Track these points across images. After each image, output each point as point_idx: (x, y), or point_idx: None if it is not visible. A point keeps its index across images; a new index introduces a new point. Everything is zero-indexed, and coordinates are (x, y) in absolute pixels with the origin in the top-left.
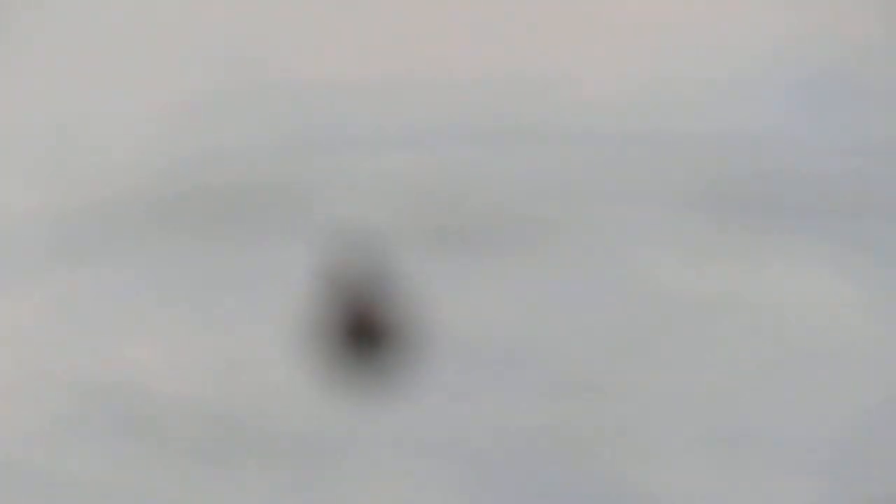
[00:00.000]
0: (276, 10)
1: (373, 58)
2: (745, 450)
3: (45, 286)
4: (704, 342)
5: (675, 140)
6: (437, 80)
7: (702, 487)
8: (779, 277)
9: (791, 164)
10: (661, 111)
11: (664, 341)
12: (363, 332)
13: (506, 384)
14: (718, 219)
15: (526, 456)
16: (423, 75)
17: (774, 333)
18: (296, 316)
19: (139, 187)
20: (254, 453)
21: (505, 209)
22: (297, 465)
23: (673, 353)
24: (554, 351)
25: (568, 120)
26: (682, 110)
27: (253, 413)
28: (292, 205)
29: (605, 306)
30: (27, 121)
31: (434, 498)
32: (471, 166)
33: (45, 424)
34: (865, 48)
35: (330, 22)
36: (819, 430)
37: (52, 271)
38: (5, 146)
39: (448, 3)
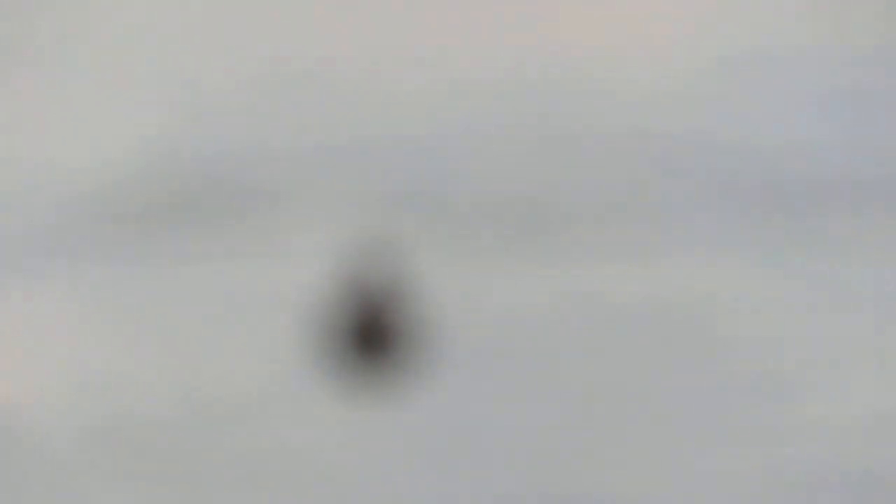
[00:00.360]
0: (286, 10)
1: (389, 60)
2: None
3: (41, 279)
4: (731, 340)
5: (702, 139)
6: (457, 82)
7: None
8: (811, 271)
9: (821, 164)
10: (687, 110)
11: (690, 342)
12: (372, 335)
13: (518, 386)
14: (748, 215)
15: (535, 460)
16: (444, 77)
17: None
18: (302, 317)
19: (143, 183)
20: (254, 459)
21: (522, 208)
22: (299, 469)
23: (706, 355)
24: (574, 353)
25: (589, 119)
26: (707, 110)
27: (255, 416)
28: (298, 205)
29: (629, 306)
30: (31, 116)
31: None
32: (486, 165)
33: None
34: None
35: (340, 21)
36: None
37: (49, 263)
38: (11, 140)
39: (467, 3)
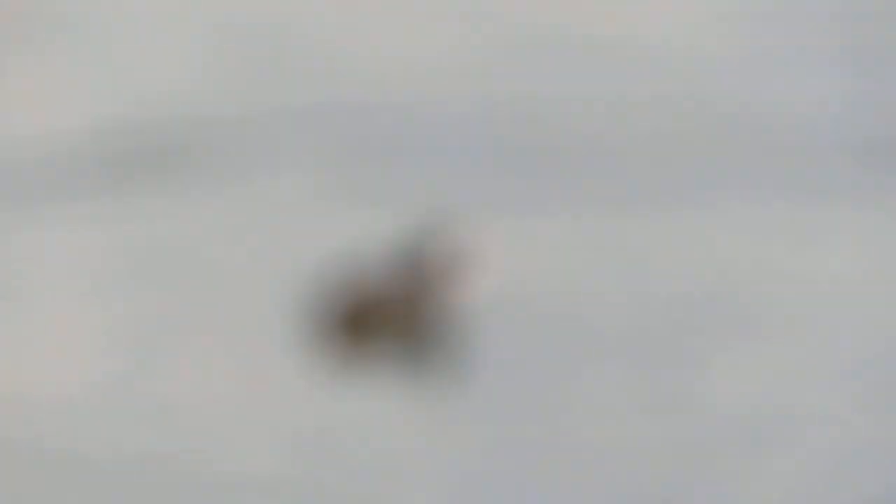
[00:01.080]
0: None
1: (399, 34)
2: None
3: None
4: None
5: (702, 101)
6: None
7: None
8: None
9: (811, 131)
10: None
11: (727, 310)
12: (365, 320)
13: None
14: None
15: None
16: (432, 40)
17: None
18: (284, 292)
19: (114, 143)
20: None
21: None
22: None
23: (743, 320)
24: (605, 316)
25: (591, 84)
26: (716, 76)
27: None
28: (273, 168)
29: (654, 268)
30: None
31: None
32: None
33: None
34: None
35: None
36: None
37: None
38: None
39: None
